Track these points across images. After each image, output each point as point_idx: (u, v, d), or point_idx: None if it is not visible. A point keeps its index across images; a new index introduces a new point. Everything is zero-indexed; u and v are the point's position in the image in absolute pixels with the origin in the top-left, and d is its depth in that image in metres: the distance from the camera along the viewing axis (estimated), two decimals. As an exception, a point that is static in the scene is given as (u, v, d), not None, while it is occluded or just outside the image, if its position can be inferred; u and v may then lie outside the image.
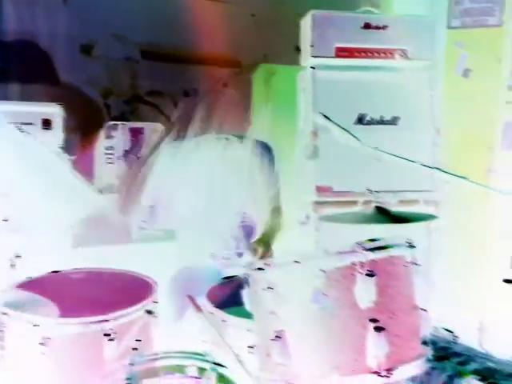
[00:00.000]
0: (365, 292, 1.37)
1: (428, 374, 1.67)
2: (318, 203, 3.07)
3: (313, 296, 1.38)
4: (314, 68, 2.96)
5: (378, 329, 1.36)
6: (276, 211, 2.50)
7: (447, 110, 2.96)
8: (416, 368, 1.43)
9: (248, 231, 2.32)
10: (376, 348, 1.35)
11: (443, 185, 2.94)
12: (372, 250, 1.43)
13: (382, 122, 2.99)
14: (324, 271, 1.40)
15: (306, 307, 1.40)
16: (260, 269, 1.46)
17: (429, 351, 1.46)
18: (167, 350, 1.68)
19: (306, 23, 3.02)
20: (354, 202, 2.83)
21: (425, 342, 1.45)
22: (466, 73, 2.93)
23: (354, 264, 1.39)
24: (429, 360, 1.70)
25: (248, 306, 1.56)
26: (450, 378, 1.63)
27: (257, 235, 2.36)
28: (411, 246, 1.50)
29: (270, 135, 3.09)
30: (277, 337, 1.41)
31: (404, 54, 3.00)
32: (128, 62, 3.57)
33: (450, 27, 2.99)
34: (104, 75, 3.54)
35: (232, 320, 1.72)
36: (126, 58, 3.58)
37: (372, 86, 2.99)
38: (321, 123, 2.78)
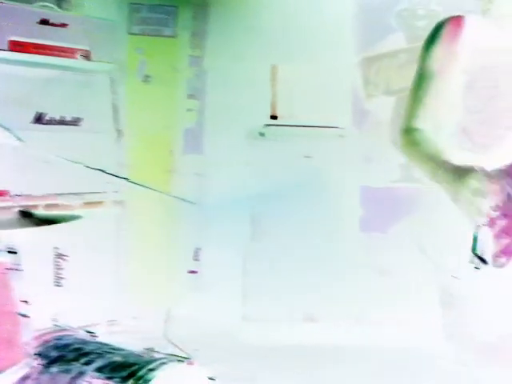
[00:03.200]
0: None
1: (53, 379, 1.63)
2: (-5, 208, 2.82)
3: None
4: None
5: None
6: None
7: (130, 113, 3.04)
8: (10, 376, 1.37)
9: None
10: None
11: (129, 185, 3.02)
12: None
13: (63, 122, 2.88)
14: None
15: None
16: None
17: (27, 356, 1.41)
18: None
19: (-26, 10, 2.73)
20: (35, 206, 2.70)
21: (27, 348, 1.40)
22: (146, 78, 3.06)
23: None
24: (56, 364, 1.68)
25: None
26: (73, 379, 1.62)
27: None
28: (11, 252, 1.43)
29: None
30: None
31: (86, 55, 2.98)
32: None
33: (130, 33, 3.10)
34: None
35: None
36: None
37: (52, 84, 2.81)
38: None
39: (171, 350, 2.91)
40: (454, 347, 1.54)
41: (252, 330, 2.89)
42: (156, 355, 1.64)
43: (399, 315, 2.68)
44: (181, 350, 2.80)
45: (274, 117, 3.22)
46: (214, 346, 2.87)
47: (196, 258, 3.13)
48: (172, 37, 3.02)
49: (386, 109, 3.14)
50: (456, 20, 1.46)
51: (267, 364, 2.71)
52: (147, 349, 1.73)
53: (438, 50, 1.46)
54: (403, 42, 3.14)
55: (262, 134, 3.00)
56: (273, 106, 3.24)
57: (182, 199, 2.33)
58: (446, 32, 1.46)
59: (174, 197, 2.31)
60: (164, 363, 1.64)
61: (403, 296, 2.65)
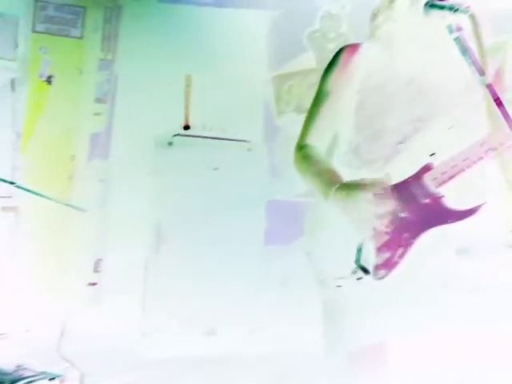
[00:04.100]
0: None
1: None
2: None
3: None
4: None
5: None
6: None
7: (30, 114, 2.91)
8: None
9: None
10: None
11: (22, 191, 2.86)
12: None
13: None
14: None
15: None
16: None
17: None
18: None
19: None
20: None
21: None
22: (49, 79, 2.94)
23: None
24: None
25: None
26: None
27: None
28: None
29: None
30: None
31: (-17, 50, 2.82)
32: None
33: (34, 31, 2.97)
34: None
35: None
36: None
37: None
38: None
39: (64, 365, 2.78)
40: (334, 356, 1.60)
41: (151, 343, 2.82)
42: (26, 373, 1.56)
43: (297, 326, 2.74)
44: (73, 365, 2.67)
45: (186, 127, 3.20)
46: (112, 361, 2.77)
47: (96, 269, 3.01)
48: (79, 38, 2.92)
49: (295, 126, 3.23)
50: (352, 47, 1.59)
51: (166, 378, 2.65)
52: (18, 366, 1.64)
53: (336, 73, 1.58)
54: (314, 62, 3.27)
55: (170, 144, 2.96)
56: (186, 116, 3.23)
57: (73, 206, 2.23)
58: (343, 58, 1.58)
59: (65, 204, 2.20)
60: (32, 381, 1.56)
61: (302, 307, 2.72)
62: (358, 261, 1.44)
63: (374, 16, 1.55)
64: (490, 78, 1.16)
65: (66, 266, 2.94)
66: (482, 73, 1.20)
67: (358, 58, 1.54)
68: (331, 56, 1.70)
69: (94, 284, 2.99)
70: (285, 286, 2.95)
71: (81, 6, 2.94)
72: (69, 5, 2.89)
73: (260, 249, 2.97)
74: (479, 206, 1.34)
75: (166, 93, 3.12)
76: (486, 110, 1.23)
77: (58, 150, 2.91)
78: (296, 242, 3.13)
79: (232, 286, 2.82)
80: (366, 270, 1.43)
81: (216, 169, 2.96)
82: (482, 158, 1.31)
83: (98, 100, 3.05)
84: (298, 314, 2.75)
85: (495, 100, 1.15)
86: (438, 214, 1.41)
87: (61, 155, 2.91)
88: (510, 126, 1.14)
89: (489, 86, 1.14)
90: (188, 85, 3.24)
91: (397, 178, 1.45)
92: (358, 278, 1.43)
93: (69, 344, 2.98)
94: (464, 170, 1.34)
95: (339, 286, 1.47)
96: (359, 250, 1.45)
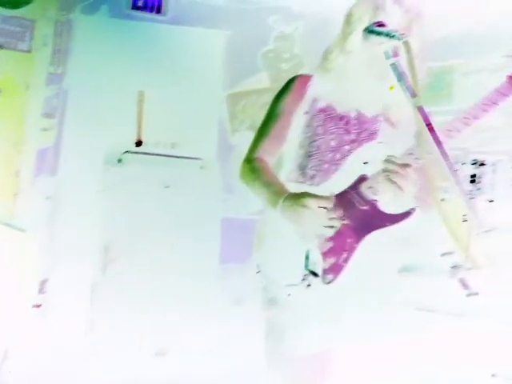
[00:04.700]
0: None
1: None
2: None
3: None
4: None
5: None
6: None
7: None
8: None
9: None
10: None
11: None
12: None
13: None
14: None
15: None
16: None
17: None
18: None
19: None
20: None
21: None
22: (-5, 92, 2.89)
23: None
24: None
25: None
26: None
27: None
28: None
29: None
30: None
31: None
32: None
33: (-20, 44, 2.91)
34: None
35: None
36: None
37: None
38: None
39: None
40: (277, 371, 1.63)
41: (99, 366, 2.75)
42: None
43: (252, 346, 2.74)
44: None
45: (138, 143, 3.18)
46: (57, 385, 2.69)
47: (41, 290, 2.92)
48: (27, 51, 2.88)
49: (249, 144, 3.27)
50: (305, 77, 1.75)
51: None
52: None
53: (288, 98, 1.73)
54: (267, 81, 3.33)
55: (120, 161, 2.94)
56: (138, 132, 3.21)
57: (12, 226, 2.15)
58: (295, 85, 1.74)
59: (4, 224, 2.12)
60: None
61: (256, 326, 2.72)
62: (306, 266, 1.50)
63: (327, 53, 1.68)
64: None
65: (9, 287, 2.84)
66: (413, 95, 1.28)
67: (309, 87, 1.70)
68: (285, 76, 1.79)
69: (38, 306, 2.90)
70: (240, 305, 2.95)
71: (30, 19, 2.91)
72: (17, 17, 2.85)
73: (215, 267, 2.97)
74: (412, 210, 1.50)
75: (117, 109, 3.10)
76: (415, 131, 1.30)
77: (3, 166, 2.83)
78: (251, 259, 3.16)
79: (185, 305, 2.80)
80: (315, 274, 1.49)
81: (168, 187, 2.95)
82: (410, 167, 1.38)
83: (46, 115, 2.99)
84: (252, 334, 2.75)
85: (427, 125, 1.22)
86: (376, 219, 1.55)
87: (5, 171, 2.84)
88: (440, 151, 1.20)
89: (419, 109, 1.21)
90: (141, 101, 3.24)
91: (336, 190, 1.54)
92: (308, 285, 1.49)
93: (11, 368, 2.88)
94: (396, 178, 1.42)
95: (289, 295, 1.51)
96: (307, 257, 1.51)
